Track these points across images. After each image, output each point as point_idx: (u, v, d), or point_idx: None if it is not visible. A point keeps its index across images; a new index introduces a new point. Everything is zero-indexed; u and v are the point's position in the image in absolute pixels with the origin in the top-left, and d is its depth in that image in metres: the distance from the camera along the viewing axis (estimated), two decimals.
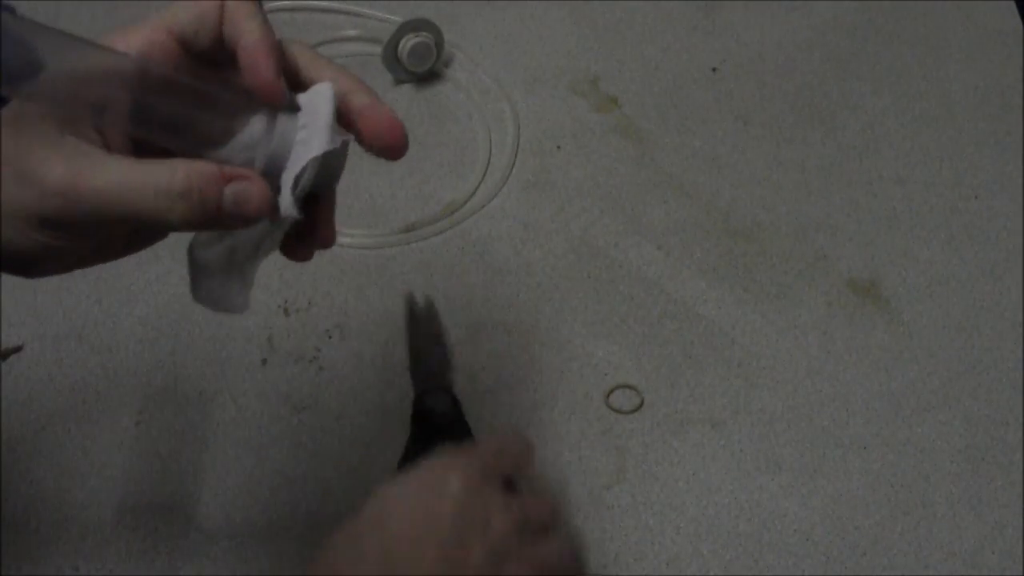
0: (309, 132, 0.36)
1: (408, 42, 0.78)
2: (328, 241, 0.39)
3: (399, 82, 0.82)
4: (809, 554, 0.62)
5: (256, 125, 0.36)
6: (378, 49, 0.80)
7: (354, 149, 0.38)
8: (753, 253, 0.74)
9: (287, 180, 0.36)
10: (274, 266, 0.71)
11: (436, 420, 0.59)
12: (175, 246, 0.40)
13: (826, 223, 0.76)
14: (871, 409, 0.67)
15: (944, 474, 0.65)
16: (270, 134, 0.36)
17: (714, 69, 0.84)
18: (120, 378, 0.66)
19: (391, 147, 0.38)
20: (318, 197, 0.38)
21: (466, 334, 0.69)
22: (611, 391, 0.67)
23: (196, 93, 0.35)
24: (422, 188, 0.76)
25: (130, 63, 0.34)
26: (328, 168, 0.37)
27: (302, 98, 0.37)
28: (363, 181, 0.76)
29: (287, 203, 0.36)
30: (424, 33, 0.78)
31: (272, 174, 0.36)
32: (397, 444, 0.64)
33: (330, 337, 0.68)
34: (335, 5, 0.85)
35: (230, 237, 0.39)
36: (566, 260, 0.73)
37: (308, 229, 0.39)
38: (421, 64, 0.80)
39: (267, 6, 0.85)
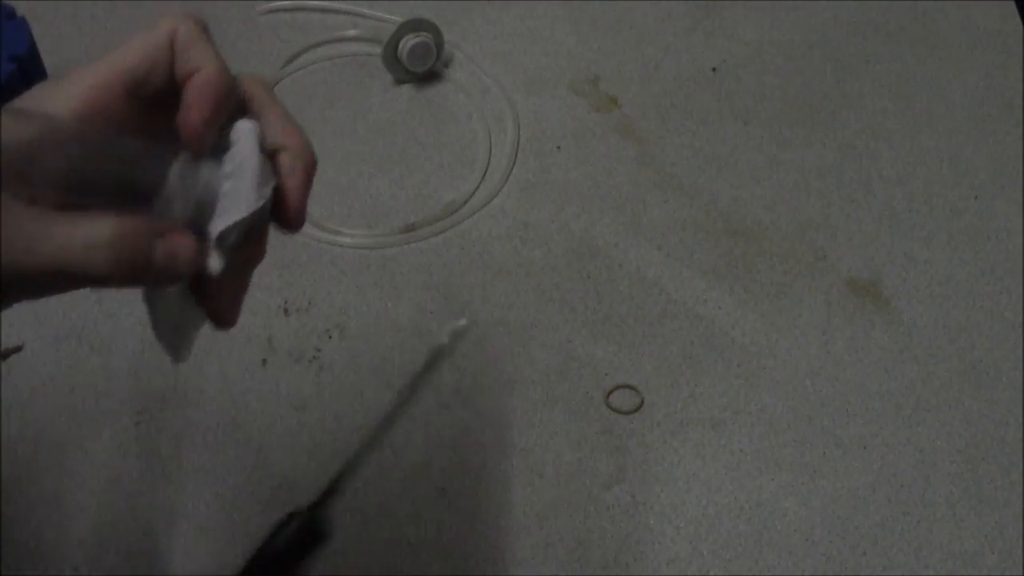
0: (235, 183, 0.34)
1: (408, 42, 0.78)
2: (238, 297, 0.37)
3: (399, 82, 0.82)
4: (809, 554, 0.62)
5: (181, 174, 0.34)
6: (378, 49, 0.80)
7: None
8: (753, 253, 0.74)
9: (212, 232, 0.34)
10: (274, 266, 0.71)
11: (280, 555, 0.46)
12: None
13: (826, 223, 0.76)
14: (871, 409, 0.67)
15: (944, 474, 0.65)
16: (193, 184, 0.34)
17: (714, 69, 0.84)
18: (120, 378, 0.66)
19: (285, 225, 0.37)
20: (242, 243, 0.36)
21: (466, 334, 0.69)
22: (611, 391, 0.67)
23: (127, 152, 0.33)
24: (422, 188, 0.76)
25: (56, 130, 0.32)
26: (256, 220, 0.35)
27: (233, 135, 0.35)
28: (363, 181, 0.76)
29: (212, 258, 0.34)
30: (424, 33, 0.78)
31: (197, 225, 0.34)
32: (397, 444, 0.64)
33: (330, 337, 0.68)
34: (335, 5, 0.85)
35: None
36: (566, 260, 0.73)
37: (215, 282, 0.36)
38: (421, 64, 0.80)
39: (267, 6, 0.85)
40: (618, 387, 0.67)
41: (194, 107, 0.34)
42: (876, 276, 0.73)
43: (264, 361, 0.67)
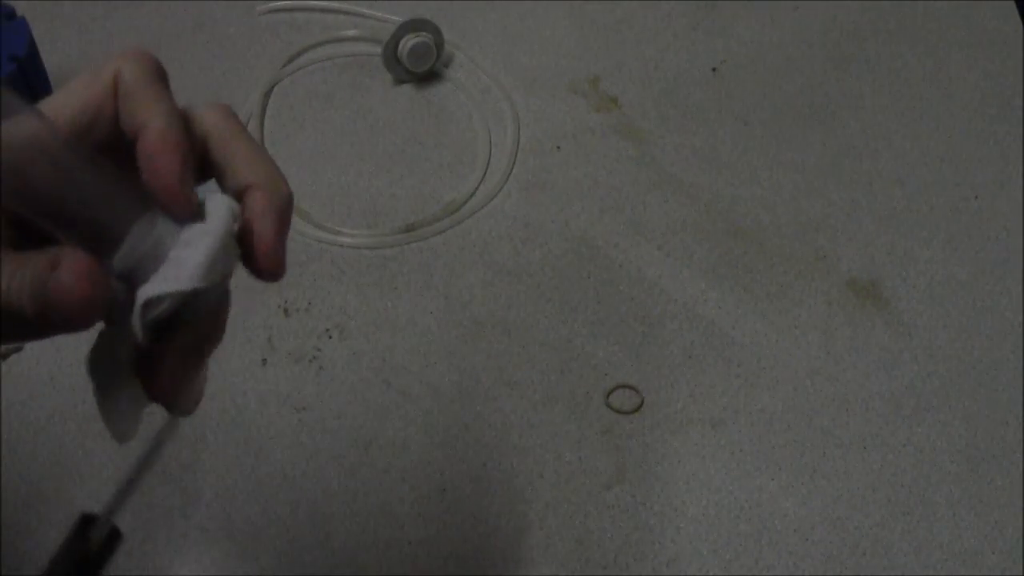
0: (187, 252, 0.30)
1: (408, 42, 0.78)
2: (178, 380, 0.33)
3: (399, 82, 0.82)
4: (809, 554, 0.62)
5: (138, 229, 0.30)
6: (378, 49, 0.80)
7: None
8: (753, 253, 0.74)
9: (140, 296, 0.30)
10: None
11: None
12: None
13: (826, 223, 0.76)
14: (871, 409, 0.67)
15: (944, 474, 0.65)
16: (143, 239, 0.30)
17: (714, 69, 0.84)
18: None
19: (259, 273, 0.33)
20: (181, 324, 0.32)
21: (466, 334, 0.69)
22: (611, 391, 0.67)
23: (106, 187, 0.29)
24: (422, 188, 0.76)
25: (39, 128, 0.28)
26: (197, 302, 0.31)
27: (208, 206, 0.31)
28: (363, 181, 0.76)
29: (134, 322, 0.30)
30: (424, 33, 0.78)
31: (131, 280, 0.30)
32: (397, 444, 0.64)
33: (330, 337, 0.68)
34: (335, 5, 0.85)
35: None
36: (566, 260, 0.73)
37: (158, 358, 0.32)
38: (421, 64, 0.80)
39: (267, 6, 0.85)
40: (618, 387, 0.67)
41: (160, 172, 0.30)
42: (876, 276, 0.73)
43: (264, 361, 0.67)
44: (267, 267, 0.32)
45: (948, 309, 0.72)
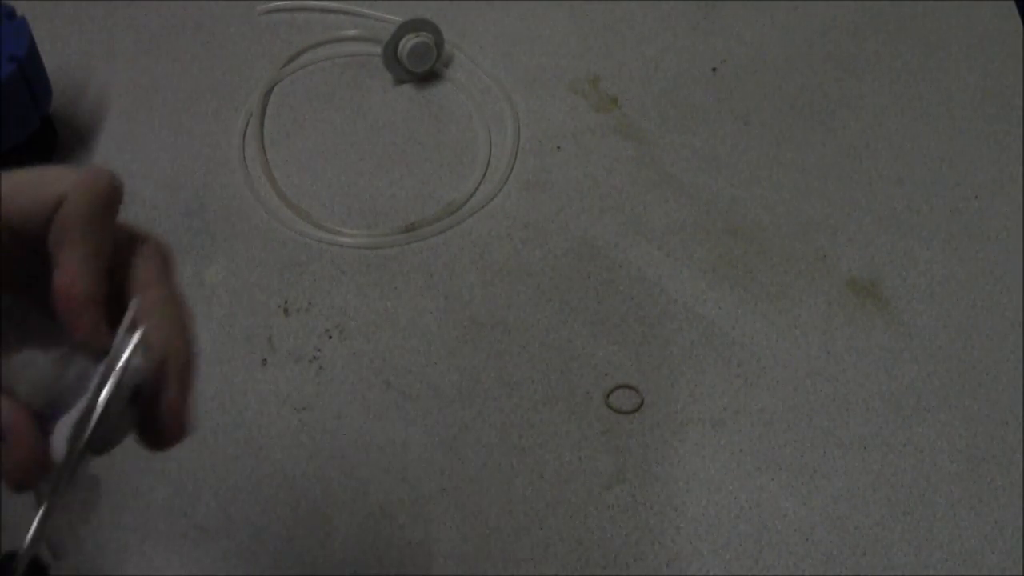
0: (99, 380, 0.31)
1: (408, 42, 0.78)
2: None
3: (399, 82, 0.82)
4: (809, 554, 0.62)
5: (50, 356, 0.31)
6: (378, 49, 0.80)
7: None
8: (753, 253, 0.74)
9: (64, 424, 0.32)
10: (274, 266, 0.71)
11: None
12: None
13: (826, 223, 0.76)
14: (871, 409, 0.67)
15: (944, 474, 0.65)
16: (65, 371, 0.31)
17: (714, 69, 0.84)
18: None
19: (162, 433, 0.33)
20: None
21: (466, 334, 0.69)
22: (611, 391, 0.67)
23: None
24: (422, 188, 0.76)
25: None
26: (104, 429, 0.33)
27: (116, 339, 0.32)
28: (363, 181, 0.76)
29: (59, 446, 0.32)
30: (424, 33, 0.78)
31: (51, 415, 0.32)
32: (397, 444, 0.64)
33: (330, 337, 0.68)
34: (335, 5, 0.85)
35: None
36: (566, 260, 0.73)
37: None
38: (421, 64, 0.80)
39: (267, 6, 0.85)
40: (618, 387, 0.67)
41: (68, 322, 0.31)
42: (876, 276, 0.73)
43: (264, 361, 0.67)
44: (169, 430, 0.33)
45: (948, 309, 0.72)
